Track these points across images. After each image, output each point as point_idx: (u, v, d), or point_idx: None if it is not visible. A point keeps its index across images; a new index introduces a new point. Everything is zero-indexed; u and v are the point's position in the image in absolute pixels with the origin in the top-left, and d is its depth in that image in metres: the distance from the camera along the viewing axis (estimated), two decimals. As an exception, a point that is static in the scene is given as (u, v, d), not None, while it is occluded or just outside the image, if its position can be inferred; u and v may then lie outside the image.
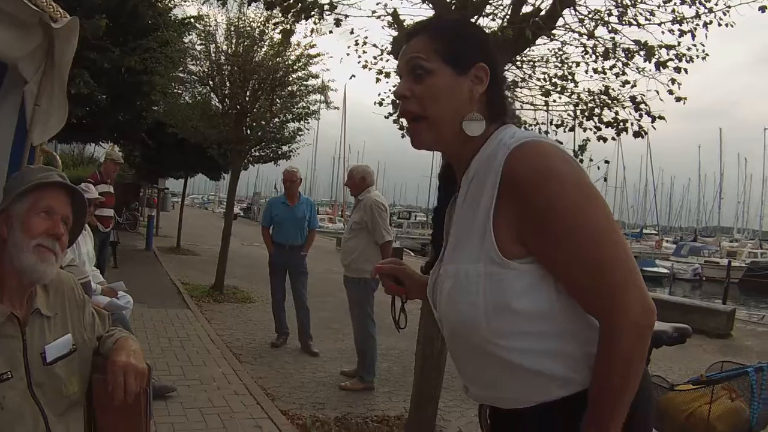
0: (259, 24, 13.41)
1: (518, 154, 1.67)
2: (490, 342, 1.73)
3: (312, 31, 8.17)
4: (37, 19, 2.28)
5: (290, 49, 13.63)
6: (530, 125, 6.65)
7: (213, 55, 13.90)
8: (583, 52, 5.96)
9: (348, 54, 6.65)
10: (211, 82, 14.23)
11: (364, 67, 6.56)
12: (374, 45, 6.47)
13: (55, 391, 2.30)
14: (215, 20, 13.87)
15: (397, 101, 1.90)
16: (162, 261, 18.69)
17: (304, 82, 14.66)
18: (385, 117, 6.55)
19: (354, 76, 7.15)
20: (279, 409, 6.51)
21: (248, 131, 14.17)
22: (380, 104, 6.63)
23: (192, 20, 17.41)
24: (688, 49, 5.59)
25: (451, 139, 1.84)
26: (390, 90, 6.44)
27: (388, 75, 6.37)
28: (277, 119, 14.96)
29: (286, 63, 13.72)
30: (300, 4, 5.63)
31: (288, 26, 6.90)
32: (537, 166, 1.65)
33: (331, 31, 6.69)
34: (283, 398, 7.01)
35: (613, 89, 6.09)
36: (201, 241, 25.69)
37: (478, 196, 1.76)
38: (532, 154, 1.68)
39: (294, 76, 14.18)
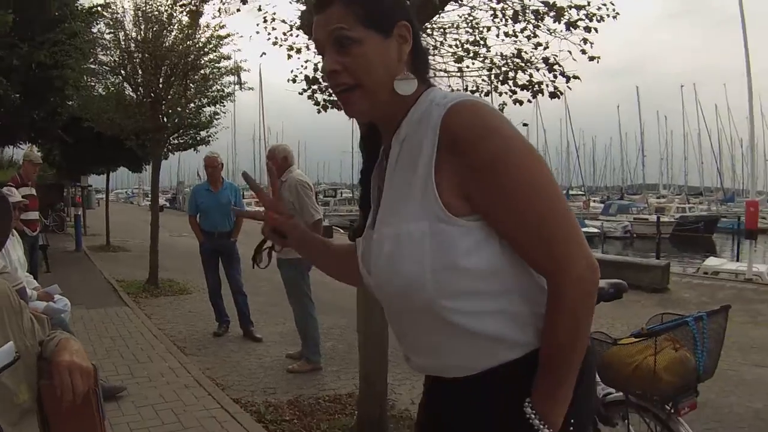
0: (166, 8, 13.19)
1: (456, 112, 1.66)
2: (436, 303, 1.68)
3: (219, 10, 8.04)
4: None
5: (200, 32, 13.49)
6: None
7: (123, 43, 13.63)
8: (492, 15, 6.01)
9: (258, 32, 6.62)
10: (123, 72, 13.98)
11: (275, 44, 6.53)
12: (283, 21, 6.44)
13: (6, 402, 2.24)
14: (122, 7, 13.61)
15: (323, 77, 1.87)
16: (94, 260, 18.34)
17: (217, 65, 14.51)
18: (300, 93, 6.53)
19: (265, 54, 7.14)
20: (231, 398, 6.49)
21: (165, 119, 13.99)
22: (294, 81, 6.57)
23: (99, 8, 16.99)
24: (598, 8, 5.67)
25: (385, 103, 1.78)
26: (302, 66, 6.40)
27: (299, 51, 6.35)
28: (192, 104, 14.77)
29: (197, 46, 13.55)
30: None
31: (195, 7, 6.82)
32: (477, 123, 1.64)
33: (238, 9, 6.65)
34: (233, 387, 7.00)
35: (525, 52, 6.14)
36: (130, 237, 25.21)
37: (415, 156, 1.72)
38: (471, 112, 1.66)
39: (206, 58, 14.01)
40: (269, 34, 6.51)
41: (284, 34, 6.43)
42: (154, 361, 7.79)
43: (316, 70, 6.25)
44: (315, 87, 6.23)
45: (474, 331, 1.70)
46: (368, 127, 2.06)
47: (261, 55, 7.25)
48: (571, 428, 1.74)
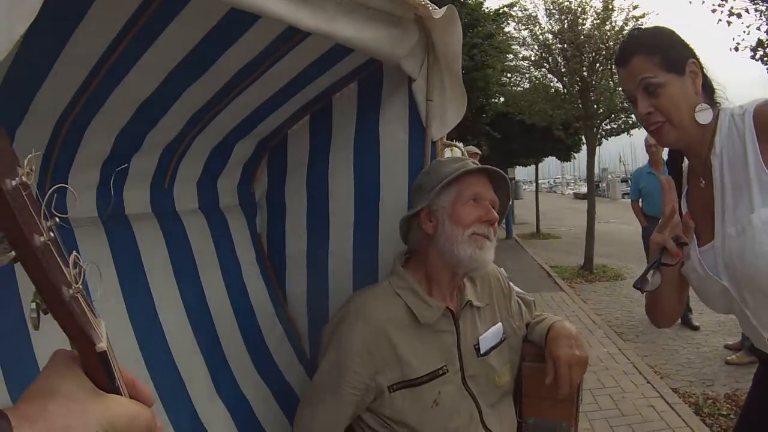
0: None
1: (763, 110, 1.95)
2: None
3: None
4: (412, 14, 2.32)
5: (615, 14, 13.24)
6: None
7: (540, 36, 13.97)
8: None
9: (690, 2, 6.57)
10: (546, 65, 14.33)
11: (713, 11, 6.43)
12: None
13: (488, 382, 2.29)
14: (533, 2, 13.93)
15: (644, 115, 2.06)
16: (525, 247, 19.06)
17: None
18: (753, 58, 6.35)
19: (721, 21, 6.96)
20: (669, 387, 6.36)
21: (596, 105, 13.86)
22: (736, 50, 6.41)
23: (506, 9, 17.55)
24: None
25: (691, 132, 2.05)
26: (744, 31, 6.33)
27: (739, 15, 6.17)
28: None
29: (615, 30, 13.19)
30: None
31: None
32: None
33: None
34: (671, 376, 6.83)
35: None
36: (558, 224, 25.84)
37: (739, 159, 1.97)
38: None
39: None
40: (702, 2, 6.49)
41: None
42: (593, 346, 7.87)
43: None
44: (767, 50, 6.08)
45: None
46: (672, 154, 2.33)
47: (717, 23, 7.14)
48: None
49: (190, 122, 2.33)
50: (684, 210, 2.23)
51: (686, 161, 2.27)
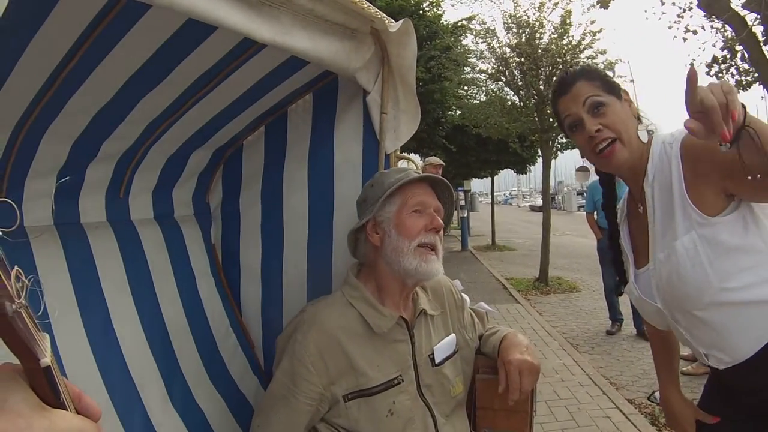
0: (535, 10, 13.40)
1: (688, 139, 2.01)
2: (722, 290, 1.99)
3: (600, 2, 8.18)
4: (368, 28, 2.33)
5: (573, 29, 13.37)
6: None
7: (497, 50, 14.04)
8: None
9: (647, 18, 6.69)
10: (503, 78, 14.39)
11: (669, 28, 6.57)
12: (673, 3, 6.42)
13: (443, 392, 2.30)
14: (491, 17, 14.02)
15: (593, 136, 2.13)
16: (480, 259, 19.13)
17: (594, 61, 14.03)
18: (707, 74, 6.51)
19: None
20: (625, 398, 6.41)
21: (552, 119, 13.72)
22: (691, 65, 6.60)
23: (464, 22, 17.65)
24: None
25: (637, 151, 2.14)
26: (700, 47, 6.54)
27: (695, 32, 6.29)
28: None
29: (571, 44, 13.38)
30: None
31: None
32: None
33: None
34: (627, 387, 6.90)
35: None
36: (514, 236, 25.95)
37: (667, 186, 2.07)
38: None
39: (582, 56, 13.70)
40: (659, 18, 6.64)
41: (678, 16, 6.46)
42: (548, 358, 7.93)
43: (724, 48, 6.28)
44: (722, 67, 6.22)
45: (756, 300, 1.99)
46: (607, 187, 2.54)
47: (673, 39, 7.26)
48: None
49: (146, 131, 2.30)
50: (625, 233, 2.42)
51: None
